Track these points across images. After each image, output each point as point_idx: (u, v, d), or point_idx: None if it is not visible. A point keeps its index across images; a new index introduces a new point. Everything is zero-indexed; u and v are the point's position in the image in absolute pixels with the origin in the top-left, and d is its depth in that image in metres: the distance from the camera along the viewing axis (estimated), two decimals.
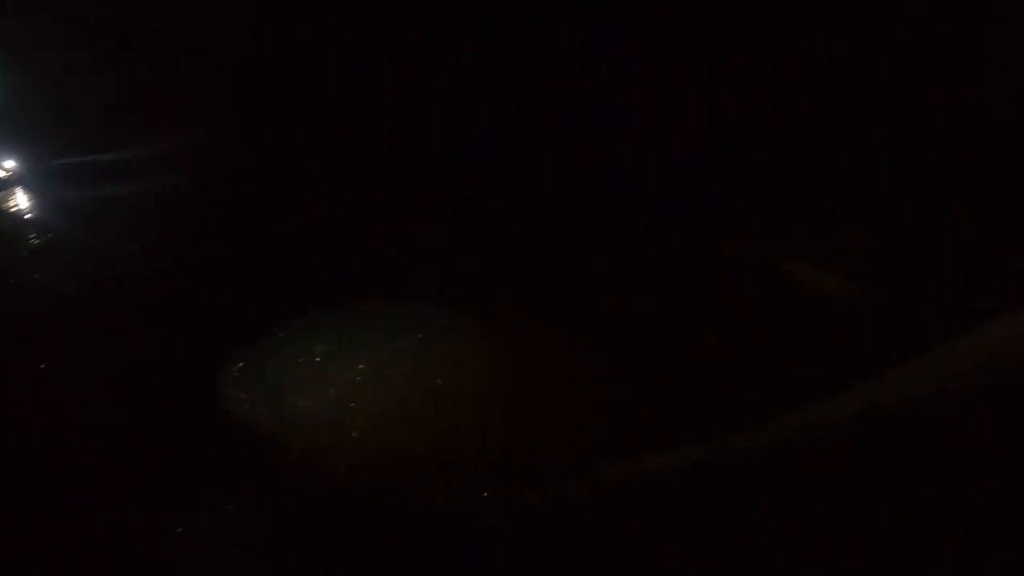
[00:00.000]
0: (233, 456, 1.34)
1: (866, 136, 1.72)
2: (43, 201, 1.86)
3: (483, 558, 1.16)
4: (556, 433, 1.34)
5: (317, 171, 1.94)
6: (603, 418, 1.37)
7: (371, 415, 1.38)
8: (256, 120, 1.90)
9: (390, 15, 1.90)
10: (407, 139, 1.96)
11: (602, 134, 1.91)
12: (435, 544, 1.19)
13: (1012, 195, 1.54)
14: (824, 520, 1.04)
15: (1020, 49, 1.58)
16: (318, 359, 1.49)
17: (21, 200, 2.01)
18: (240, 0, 1.86)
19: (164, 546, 1.20)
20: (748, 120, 1.81)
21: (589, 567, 1.10)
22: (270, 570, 1.19)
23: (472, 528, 1.21)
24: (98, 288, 1.67)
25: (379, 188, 1.94)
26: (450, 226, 1.91)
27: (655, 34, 1.84)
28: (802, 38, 1.76)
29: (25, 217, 1.92)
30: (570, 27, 1.89)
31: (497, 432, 1.36)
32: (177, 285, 1.69)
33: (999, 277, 1.34)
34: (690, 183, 1.83)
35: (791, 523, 1.04)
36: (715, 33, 1.81)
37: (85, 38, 1.74)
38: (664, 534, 1.09)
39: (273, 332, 1.57)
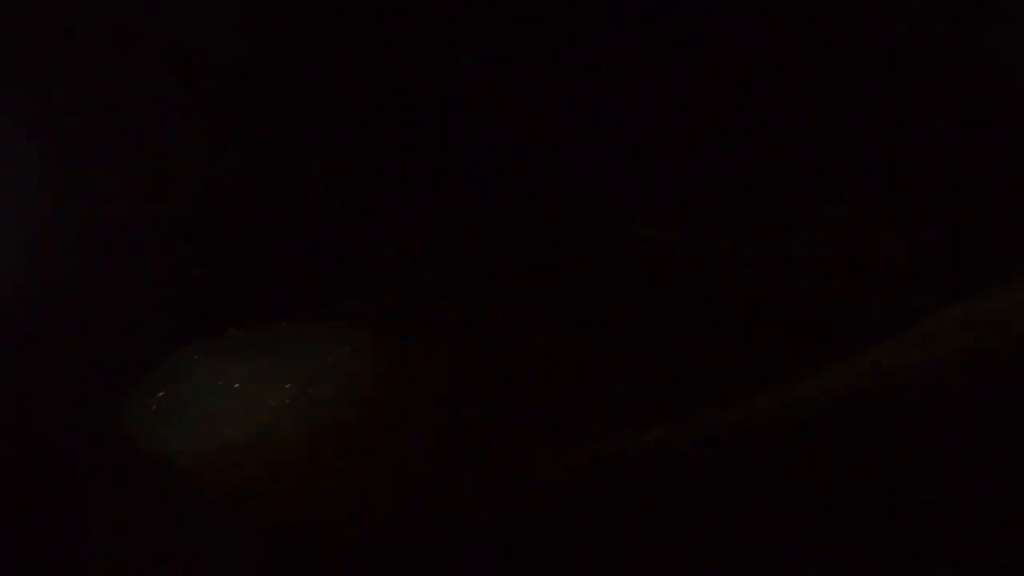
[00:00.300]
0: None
1: (866, 136, 1.72)
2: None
3: (483, 558, 1.15)
4: (543, 435, 1.34)
5: (317, 171, 1.94)
6: (602, 419, 1.37)
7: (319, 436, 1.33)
8: (256, 120, 1.90)
9: (390, 15, 1.90)
10: (407, 139, 1.96)
11: (602, 134, 1.91)
12: (434, 544, 1.19)
13: (1012, 195, 1.54)
14: (824, 520, 1.04)
15: (1020, 49, 1.58)
16: (237, 384, 1.41)
17: None
18: (240, 0, 1.86)
19: None
20: (748, 120, 1.81)
21: (589, 567, 1.10)
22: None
23: (471, 528, 1.21)
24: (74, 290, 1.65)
25: (379, 188, 1.94)
26: (450, 226, 1.90)
27: (655, 34, 1.84)
28: (802, 38, 1.76)
29: None
30: (570, 27, 1.89)
31: (475, 436, 1.35)
32: (168, 289, 1.69)
33: (999, 277, 1.34)
34: (690, 183, 1.83)
35: (791, 523, 1.04)
36: (715, 33, 1.80)
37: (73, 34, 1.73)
38: (664, 534, 1.09)
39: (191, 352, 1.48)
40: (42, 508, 1.28)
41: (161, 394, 1.42)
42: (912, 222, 1.61)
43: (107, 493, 1.30)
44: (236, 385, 1.42)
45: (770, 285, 1.63)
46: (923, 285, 1.47)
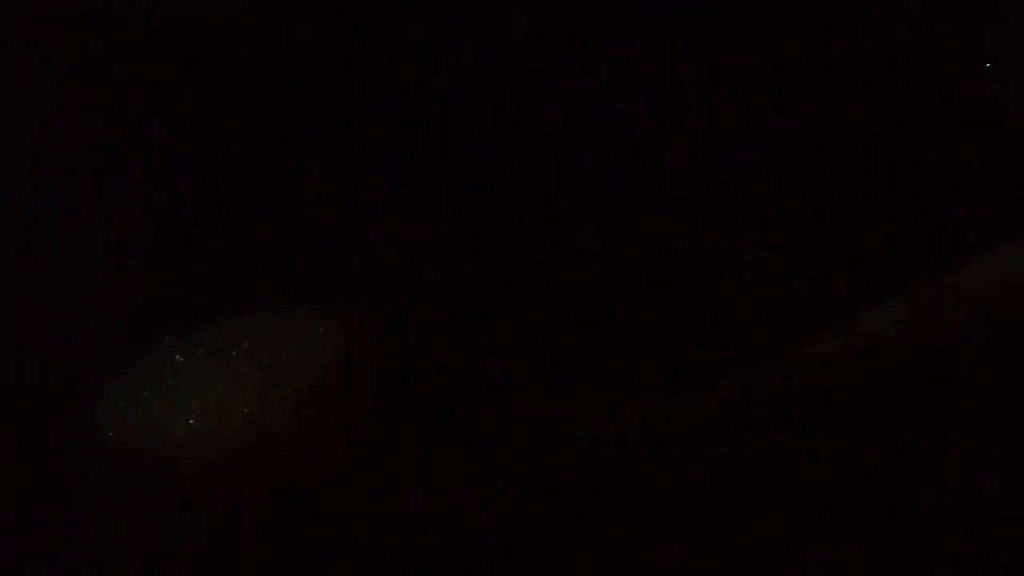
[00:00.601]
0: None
1: (866, 136, 1.71)
2: None
3: (483, 558, 1.15)
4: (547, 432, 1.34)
5: (317, 171, 1.94)
6: (601, 419, 1.37)
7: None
8: (256, 120, 1.90)
9: (390, 15, 1.90)
10: (407, 139, 1.96)
11: (602, 134, 1.91)
12: (434, 544, 1.19)
13: (1012, 195, 1.54)
14: (824, 520, 1.04)
15: (1020, 49, 1.58)
16: (231, 379, 1.38)
17: None
18: (240, 0, 1.86)
19: None
20: (748, 120, 1.81)
21: (589, 567, 1.10)
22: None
23: (471, 528, 1.21)
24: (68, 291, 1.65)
25: (379, 188, 1.94)
26: (450, 226, 1.90)
27: (655, 34, 1.84)
28: (802, 38, 1.76)
29: None
30: (570, 27, 1.89)
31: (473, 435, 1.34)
32: (167, 288, 1.69)
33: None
34: (690, 183, 1.83)
35: (791, 523, 1.04)
36: (715, 33, 1.81)
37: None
38: (664, 533, 1.09)
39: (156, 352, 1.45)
40: (42, 508, 1.28)
41: (149, 388, 1.40)
42: (911, 222, 1.61)
43: (106, 492, 1.30)
44: (230, 380, 1.40)
45: (770, 285, 1.63)
46: (922, 285, 1.47)
